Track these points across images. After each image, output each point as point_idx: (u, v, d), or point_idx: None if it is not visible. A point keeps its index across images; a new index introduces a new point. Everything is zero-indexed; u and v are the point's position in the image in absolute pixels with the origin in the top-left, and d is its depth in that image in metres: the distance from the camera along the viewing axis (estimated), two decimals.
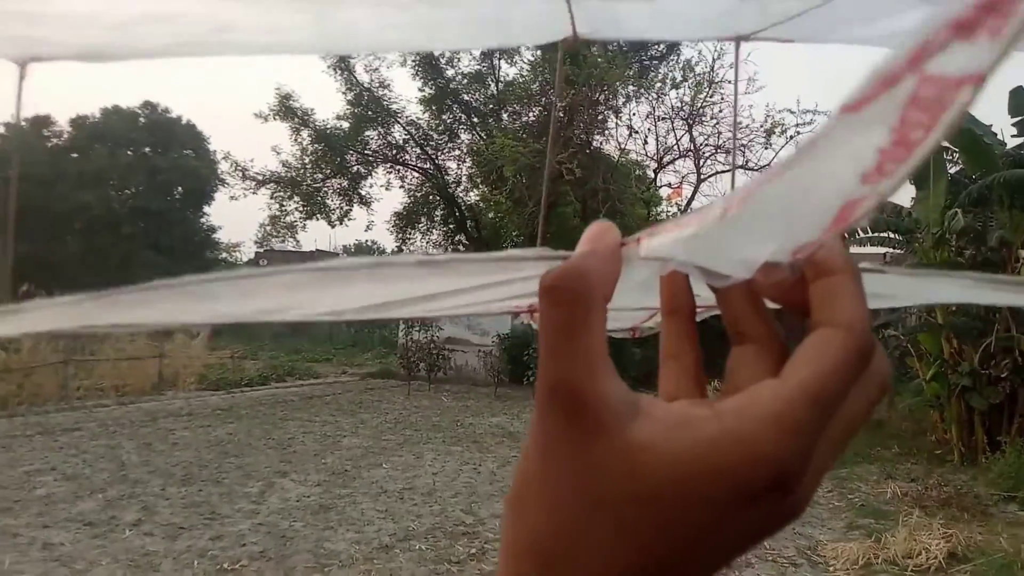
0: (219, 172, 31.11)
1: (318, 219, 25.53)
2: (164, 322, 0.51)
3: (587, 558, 0.29)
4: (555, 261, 0.34)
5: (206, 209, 43.46)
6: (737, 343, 0.34)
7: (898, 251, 12.80)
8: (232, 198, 28.30)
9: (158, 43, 1.22)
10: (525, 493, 0.31)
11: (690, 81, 20.10)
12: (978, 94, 0.24)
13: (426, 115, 23.19)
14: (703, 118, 19.98)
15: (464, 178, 23.87)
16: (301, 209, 25.26)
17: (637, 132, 20.79)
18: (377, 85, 22.69)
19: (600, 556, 0.29)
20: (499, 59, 22.15)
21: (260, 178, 24.46)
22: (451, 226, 24.94)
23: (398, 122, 23.24)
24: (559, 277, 0.30)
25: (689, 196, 20.62)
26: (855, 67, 0.28)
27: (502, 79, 22.63)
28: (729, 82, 19.26)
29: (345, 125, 23.37)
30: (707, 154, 20.28)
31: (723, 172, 20.19)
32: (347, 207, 25.59)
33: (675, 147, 20.83)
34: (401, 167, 24.08)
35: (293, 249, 29.76)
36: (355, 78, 22.45)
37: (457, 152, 23.73)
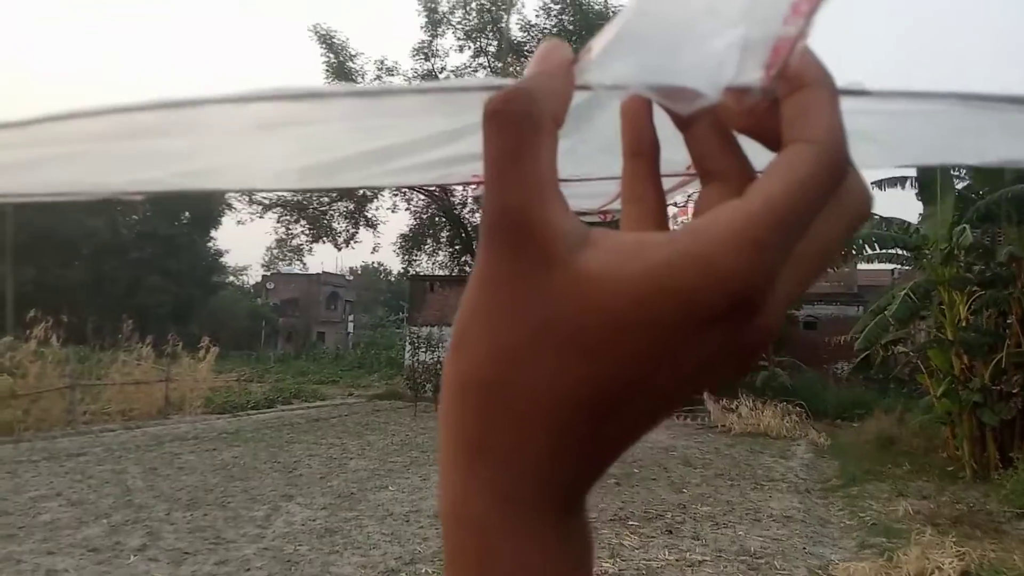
0: (226, 197, 31.39)
1: (324, 242, 25.73)
2: (88, 191, 0.49)
3: (529, 381, 0.27)
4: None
5: (213, 233, 43.92)
6: (705, 183, 0.31)
7: (906, 267, 12.75)
8: (239, 222, 28.58)
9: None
10: (468, 328, 0.29)
11: None
12: None
13: None
14: None
15: (470, 199, 24.01)
16: (307, 232, 25.47)
17: None
18: None
19: (544, 379, 0.27)
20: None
21: (267, 202, 24.67)
22: (457, 247, 25.05)
23: None
24: (503, 100, 0.28)
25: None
26: None
27: None
28: None
29: None
30: None
31: None
32: (353, 230, 25.80)
33: None
34: (407, 189, 24.25)
35: (300, 272, 29.94)
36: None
37: None
